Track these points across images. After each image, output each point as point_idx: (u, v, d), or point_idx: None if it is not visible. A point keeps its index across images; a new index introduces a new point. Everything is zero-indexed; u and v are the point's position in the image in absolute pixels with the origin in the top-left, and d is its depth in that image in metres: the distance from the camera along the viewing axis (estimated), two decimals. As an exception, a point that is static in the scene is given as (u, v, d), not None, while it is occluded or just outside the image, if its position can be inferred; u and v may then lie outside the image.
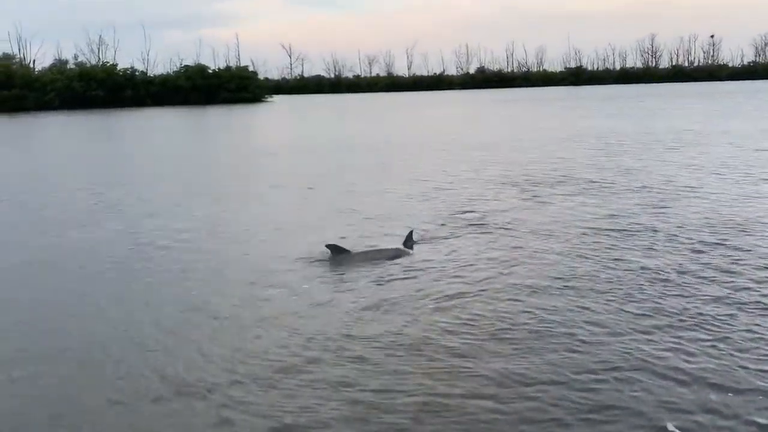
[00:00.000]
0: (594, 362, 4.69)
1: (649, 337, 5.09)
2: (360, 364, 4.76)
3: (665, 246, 7.65)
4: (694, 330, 5.19)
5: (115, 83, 72.31)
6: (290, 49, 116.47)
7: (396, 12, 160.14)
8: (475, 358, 4.80)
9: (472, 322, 5.48)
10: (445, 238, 8.42)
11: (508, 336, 5.20)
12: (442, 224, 9.20)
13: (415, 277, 6.79)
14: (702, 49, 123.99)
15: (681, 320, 5.41)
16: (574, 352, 4.87)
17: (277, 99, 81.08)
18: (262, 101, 76.08)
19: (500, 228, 8.88)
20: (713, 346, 4.89)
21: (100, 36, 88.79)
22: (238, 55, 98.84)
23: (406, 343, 5.10)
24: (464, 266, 7.11)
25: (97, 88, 70.29)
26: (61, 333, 5.65)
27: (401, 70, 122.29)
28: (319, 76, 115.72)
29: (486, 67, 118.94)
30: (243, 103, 70.18)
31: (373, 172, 15.39)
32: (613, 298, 5.97)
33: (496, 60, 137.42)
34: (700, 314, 5.52)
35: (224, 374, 4.68)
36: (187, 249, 8.31)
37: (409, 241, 8.06)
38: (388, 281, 6.71)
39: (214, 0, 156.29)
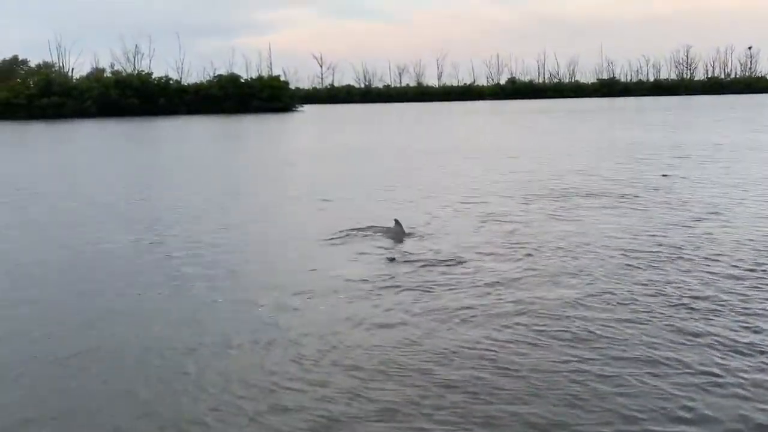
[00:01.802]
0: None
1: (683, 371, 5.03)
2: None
3: (696, 268, 7.45)
4: (727, 360, 5.04)
5: (149, 91, 73.91)
6: (321, 59, 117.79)
7: (427, 22, 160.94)
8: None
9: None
10: (472, 249, 8.44)
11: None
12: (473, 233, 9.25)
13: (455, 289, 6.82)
14: (739, 60, 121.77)
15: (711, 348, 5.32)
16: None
17: (308, 108, 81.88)
18: (293, 110, 76.91)
19: (526, 243, 8.86)
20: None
21: (136, 45, 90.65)
22: (270, 64, 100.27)
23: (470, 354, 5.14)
24: (486, 283, 7.13)
25: (133, 96, 71.93)
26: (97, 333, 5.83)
27: (431, 80, 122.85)
28: (350, 85, 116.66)
29: (517, 77, 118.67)
30: (274, 113, 71.00)
31: (404, 180, 15.45)
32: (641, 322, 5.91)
33: (527, 70, 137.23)
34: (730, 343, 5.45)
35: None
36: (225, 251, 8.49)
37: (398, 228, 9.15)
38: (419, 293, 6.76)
39: (248, 10, 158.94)
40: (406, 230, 9.34)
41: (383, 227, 9.59)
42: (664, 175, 14.85)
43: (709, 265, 7.46)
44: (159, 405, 4.54)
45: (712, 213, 10.50)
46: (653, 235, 9.03)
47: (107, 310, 6.58)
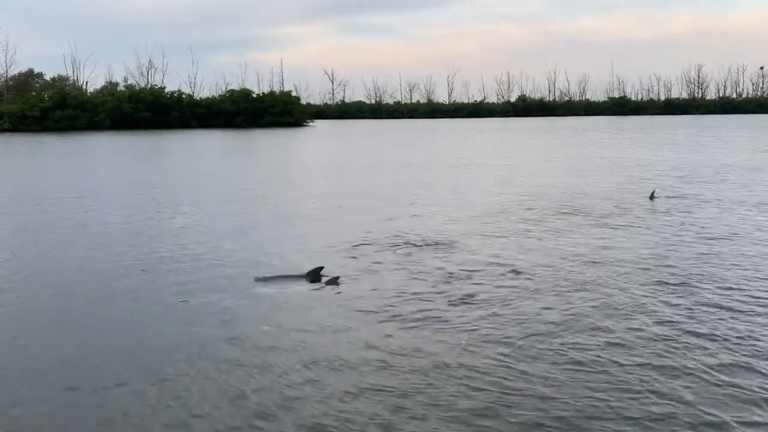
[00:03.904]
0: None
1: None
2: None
3: (701, 298, 7.50)
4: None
5: (162, 105, 74.61)
6: (332, 75, 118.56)
7: (438, 39, 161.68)
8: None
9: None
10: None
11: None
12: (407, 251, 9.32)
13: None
14: (751, 80, 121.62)
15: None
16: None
17: (318, 123, 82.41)
18: (304, 125, 77.43)
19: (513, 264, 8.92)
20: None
21: (150, 59, 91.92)
22: (282, 79, 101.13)
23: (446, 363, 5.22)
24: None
25: (146, 110, 72.63)
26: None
27: (442, 96, 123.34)
28: (360, 101, 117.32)
29: (527, 95, 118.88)
30: (285, 127, 71.52)
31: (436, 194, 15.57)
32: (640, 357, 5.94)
33: (537, 88, 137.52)
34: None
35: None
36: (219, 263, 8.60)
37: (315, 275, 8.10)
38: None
39: (261, 26, 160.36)
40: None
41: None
42: (652, 197, 14.54)
43: (728, 288, 7.51)
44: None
45: (720, 235, 10.53)
46: (653, 258, 9.09)
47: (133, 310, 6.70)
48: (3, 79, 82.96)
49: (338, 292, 7.56)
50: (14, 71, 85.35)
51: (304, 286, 7.82)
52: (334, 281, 7.95)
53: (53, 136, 56.30)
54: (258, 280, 8.08)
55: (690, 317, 6.42)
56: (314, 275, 8.12)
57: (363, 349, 5.74)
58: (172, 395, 4.90)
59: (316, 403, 4.74)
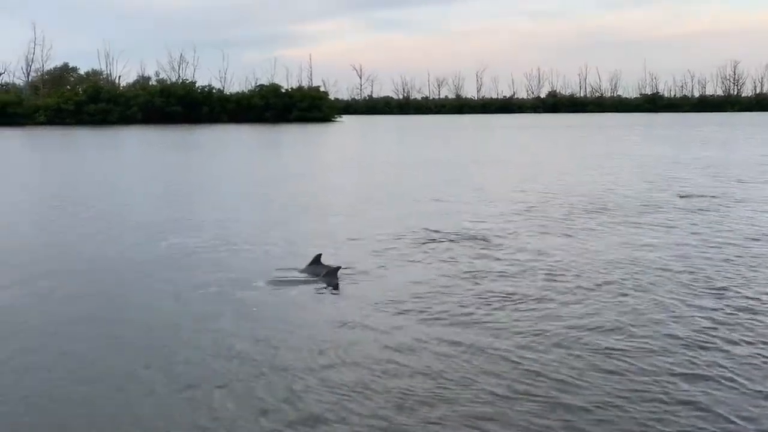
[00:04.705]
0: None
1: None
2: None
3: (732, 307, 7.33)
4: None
5: (193, 100, 75.61)
6: (361, 70, 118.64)
7: (467, 34, 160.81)
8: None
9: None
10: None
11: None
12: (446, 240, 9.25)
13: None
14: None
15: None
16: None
17: (346, 119, 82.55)
18: (332, 121, 77.66)
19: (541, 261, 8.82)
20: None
21: (181, 54, 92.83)
22: (311, 75, 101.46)
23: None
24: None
25: (177, 104, 73.66)
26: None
27: (470, 92, 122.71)
28: (388, 97, 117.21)
29: (558, 91, 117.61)
30: (313, 122, 71.81)
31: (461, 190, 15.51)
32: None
33: (568, 84, 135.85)
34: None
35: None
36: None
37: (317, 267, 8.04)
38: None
39: (291, 22, 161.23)
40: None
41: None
42: (681, 196, 14.33)
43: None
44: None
45: (760, 236, 10.24)
46: (680, 260, 8.92)
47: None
48: (39, 74, 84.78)
49: (358, 287, 7.53)
50: (50, 66, 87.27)
51: (325, 280, 7.83)
52: (334, 272, 7.89)
53: (87, 130, 57.41)
54: (279, 270, 8.09)
55: (722, 323, 6.21)
56: (322, 269, 8.02)
57: (385, 343, 5.70)
58: (185, 388, 4.92)
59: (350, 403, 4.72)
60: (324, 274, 7.92)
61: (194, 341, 5.93)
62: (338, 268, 8.04)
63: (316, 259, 8.23)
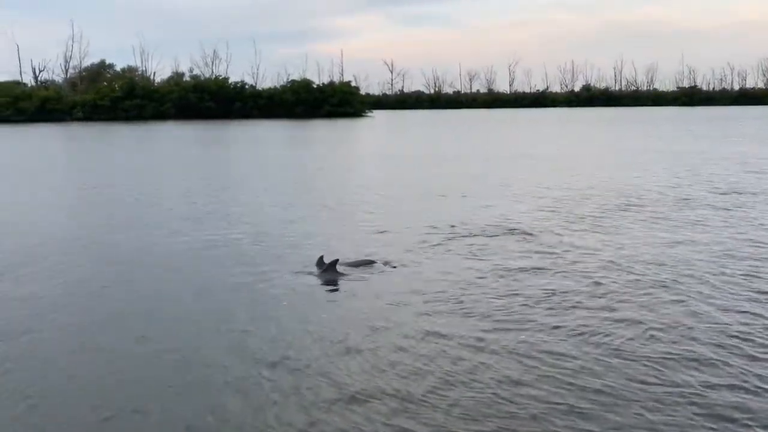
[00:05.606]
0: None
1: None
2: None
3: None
4: None
5: (226, 95, 76.42)
6: (392, 65, 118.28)
7: (499, 28, 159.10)
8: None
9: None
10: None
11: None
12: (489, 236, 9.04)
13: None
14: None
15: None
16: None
17: (377, 114, 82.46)
18: (363, 116, 77.67)
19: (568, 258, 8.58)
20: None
21: (215, 50, 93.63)
22: (342, 70, 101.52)
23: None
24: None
25: (209, 100, 74.53)
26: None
27: (502, 86, 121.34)
28: (419, 91, 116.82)
29: (592, 84, 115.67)
30: (345, 117, 71.88)
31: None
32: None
33: (602, 78, 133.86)
34: None
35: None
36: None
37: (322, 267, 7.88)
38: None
39: (322, 18, 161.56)
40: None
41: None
42: (719, 193, 13.89)
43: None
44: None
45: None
46: (705, 261, 8.58)
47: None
48: (77, 71, 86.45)
49: (390, 281, 7.44)
50: (87, 62, 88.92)
51: (363, 273, 7.87)
52: (369, 264, 8.10)
53: (122, 125, 58.43)
54: (318, 264, 7.99)
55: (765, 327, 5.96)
56: (326, 265, 7.90)
57: (419, 338, 5.59)
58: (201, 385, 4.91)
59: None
60: (358, 265, 8.06)
61: (215, 340, 5.90)
62: (371, 262, 8.19)
63: (331, 262, 7.97)
